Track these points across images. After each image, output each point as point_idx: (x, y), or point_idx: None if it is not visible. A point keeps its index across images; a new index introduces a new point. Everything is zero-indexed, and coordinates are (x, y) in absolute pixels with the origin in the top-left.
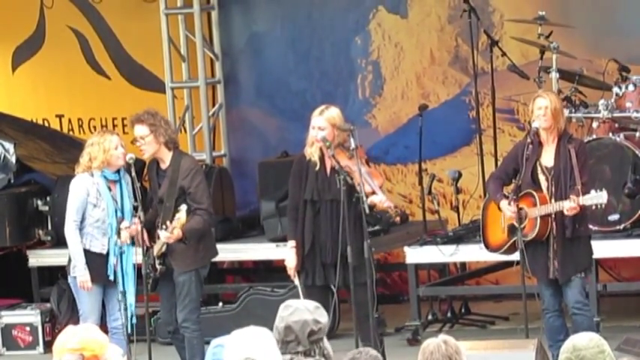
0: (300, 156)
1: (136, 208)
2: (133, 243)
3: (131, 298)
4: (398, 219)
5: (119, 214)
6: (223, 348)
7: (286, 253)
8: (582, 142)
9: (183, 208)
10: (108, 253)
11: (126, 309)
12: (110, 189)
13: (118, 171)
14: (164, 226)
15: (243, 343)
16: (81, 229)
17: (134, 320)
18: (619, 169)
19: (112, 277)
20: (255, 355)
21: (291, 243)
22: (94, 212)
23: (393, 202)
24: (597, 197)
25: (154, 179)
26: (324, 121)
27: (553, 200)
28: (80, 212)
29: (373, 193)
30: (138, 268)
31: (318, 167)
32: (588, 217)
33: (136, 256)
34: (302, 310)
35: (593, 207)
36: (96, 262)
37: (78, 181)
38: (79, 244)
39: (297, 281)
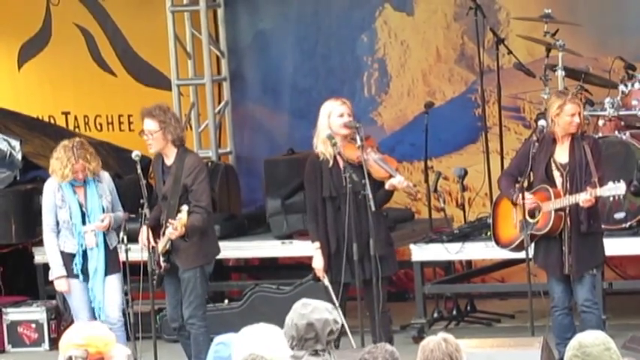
0: (312, 157)
1: (142, 205)
2: (105, 239)
3: (99, 295)
4: (419, 195)
5: (85, 216)
6: (226, 346)
7: (313, 255)
8: (595, 138)
9: (185, 208)
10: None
11: (132, 306)
12: (75, 192)
13: None
14: (168, 224)
15: (250, 339)
16: (59, 232)
17: (102, 317)
18: (625, 167)
19: (81, 279)
20: (261, 352)
21: (316, 244)
22: (60, 214)
23: (411, 182)
24: (615, 188)
25: (159, 175)
26: (348, 108)
27: (567, 195)
28: (52, 215)
29: (390, 176)
30: (124, 266)
31: (331, 164)
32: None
33: (141, 252)
34: (322, 310)
35: (611, 199)
36: (71, 262)
37: (46, 186)
38: (53, 246)
39: (326, 282)
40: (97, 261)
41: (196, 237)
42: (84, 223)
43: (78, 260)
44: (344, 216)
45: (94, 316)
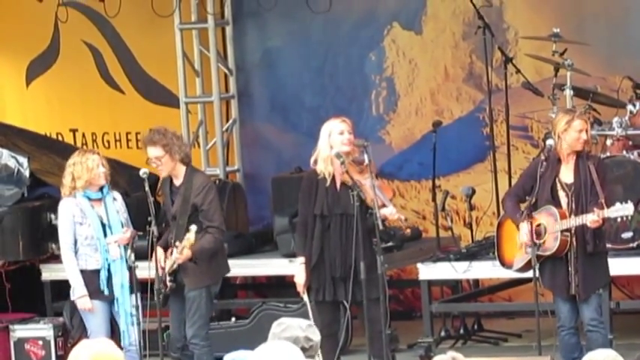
0: (309, 172)
1: (149, 223)
2: (125, 253)
3: (127, 307)
4: (408, 231)
5: (107, 229)
6: None
7: (296, 270)
8: (601, 158)
9: (193, 228)
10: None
11: (139, 324)
12: (93, 207)
13: (101, 189)
14: (176, 245)
15: (267, 357)
16: (76, 252)
17: (125, 337)
18: (632, 187)
19: (106, 293)
20: None
21: (301, 259)
22: (81, 230)
23: (403, 215)
24: (623, 209)
25: (167, 195)
26: (348, 126)
27: (573, 216)
28: (71, 234)
29: (383, 205)
30: (131, 283)
31: (328, 183)
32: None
33: (149, 270)
34: (294, 328)
35: (619, 219)
36: (94, 280)
37: (63, 205)
38: (74, 265)
39: (305, 298)
40: (121, 275)
41: (205, 259)
42: (105, 236)
43: (103, 275)
44: (332, 236)
45: (112, 337)
